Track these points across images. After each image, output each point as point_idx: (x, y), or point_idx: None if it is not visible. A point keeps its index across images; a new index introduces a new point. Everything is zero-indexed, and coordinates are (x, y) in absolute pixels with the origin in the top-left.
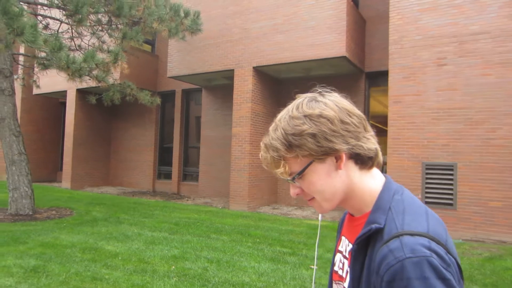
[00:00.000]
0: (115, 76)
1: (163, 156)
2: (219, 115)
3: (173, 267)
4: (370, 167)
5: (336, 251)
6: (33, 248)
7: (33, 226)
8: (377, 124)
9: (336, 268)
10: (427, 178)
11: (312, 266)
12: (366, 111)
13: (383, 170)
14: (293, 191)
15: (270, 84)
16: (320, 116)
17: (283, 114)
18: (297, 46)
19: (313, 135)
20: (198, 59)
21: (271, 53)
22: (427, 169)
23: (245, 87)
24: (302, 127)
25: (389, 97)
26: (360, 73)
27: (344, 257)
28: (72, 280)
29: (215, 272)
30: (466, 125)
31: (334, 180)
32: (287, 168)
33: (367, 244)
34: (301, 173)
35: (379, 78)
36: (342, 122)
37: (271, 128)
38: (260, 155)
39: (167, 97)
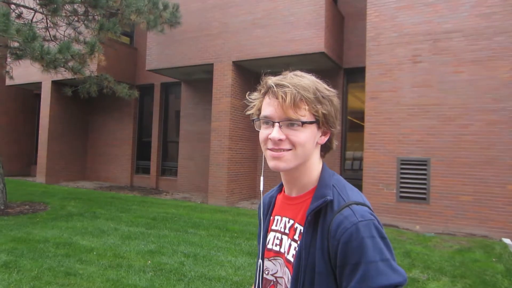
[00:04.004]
0: (91, 68)
1: (142, 151)
2: (199, 110)
3: (149, 261)
4: (324, 155)
5: (268, 231)
6: (4, 243)
7: (4, 221)
8: (354, 120)
9: (270, 246)
10: (401, 173)
11: None
12: (344, 106)
13: (360, 164)
14: (278, 136)
15: (249, 78)
16: (335, 99)
17: (302, 74)
18: (277, 41)
19: (334, 107)
20: (177, 53)
21: (250, 47)
22: (402, 164)
23: (224, 82)
24: (331, 93)
25: (366, 93)
26: (338, 69)
27: (283, 233)
28: (45, 275)
29: (192, 266)
30: (439, 121)
31: (312, 147)
32: (303, 112)
33: (318, 215)
34: (307, 123)
35: (357, 74)
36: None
37: (290, 74)
38: (281, 91)
39: (146, 90)
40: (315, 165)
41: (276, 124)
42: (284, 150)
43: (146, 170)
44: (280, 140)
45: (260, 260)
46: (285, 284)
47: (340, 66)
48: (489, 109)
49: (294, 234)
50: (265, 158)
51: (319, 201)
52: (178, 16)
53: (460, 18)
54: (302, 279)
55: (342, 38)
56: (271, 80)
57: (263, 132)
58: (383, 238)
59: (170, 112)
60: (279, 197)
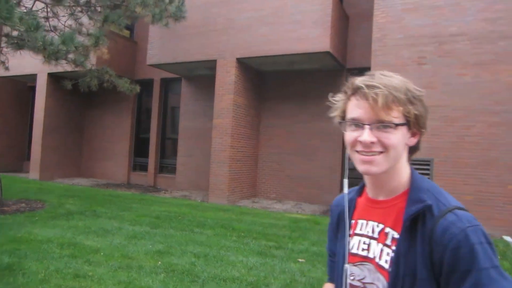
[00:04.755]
0: (92, 61)
1: (139, 147)
2: (199, 106)
3: (159, 262)
4: (411, 157)
5: (352, 235)
6: (5, 244)
7: (2, 220)
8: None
9: (355, 251)
10: None
11: (300, 260)
12: None
13: None
14: (369, 138)
15: (252, 76)
16: (424, 99)
17: (391, 74)
18: (283, 39)
19: (425, 108)
20: (180, 48)
21: (256, 44)
22: None
23: (227, 78)
24: (421, 93)
25: None
26: (341, 69)
27: (371, 238)
28: (53, 278)
29: (204, 267)
30: (442, 122)
31: (402, 149)
32: (395, 113)
33: (416, 220)
34: (400, 124)
35: (360, 75)
36: None
37: (378, 74)
38: (372, 92)
39: (145, 85)
40: (404, 168)
41: (367, 126)
42: (375, 153)
43: (144, 167)
44: (372, 143)
45: (346, 265)
46: None
47: (343, 66)
48: (491, 111)
49: (386, 239)
50: (348, 159)
51: (417, 206)
52: (184, 11)
53: (465, 22)
54: (400, 285)
55: (346, 38)
56: (359, 81)
57: (351, 135)
58: (490, 243)
59: (169, 108)
60: (360, 200)
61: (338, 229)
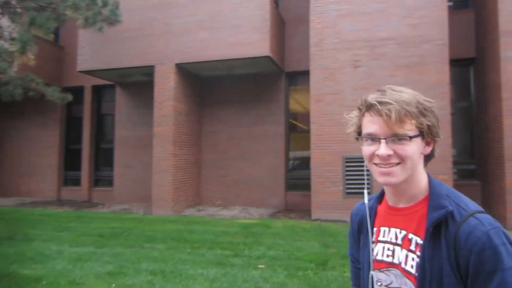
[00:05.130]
0: (14, 67)
1: (70, 160)
2: (136, 114)
3: (113, 285)
4: (426, 165)
5: (375, 242)
6: None
7: None
8: (295, 122)
9: (380, 257)
10: (346, 171)
11: (260, 266)
12: (286, 109)
13: (309, 164)
14: (386, 152)
15: (192, 81)
16: (435, 109)
17: (400, 89)
18: (223, 44)
19: (436, 117)
20: (114, 53)
21: (195, 50)
22: (346, 162)
23: (167, 85)
24: (432, 105)
25: (311, 96)
26: (280, 73)
27: (395, 244)
28: None
29: (163, 284)
30: None
31: (418, 158)
32: (409, 126)
33: (439, 226)
34: (414, 136)
35: (298, 78)
36: None
37: (389, 90)
38: (385, 109)
39: (74, 93)
40: (422, 175)
41: (383, 141)
42: (392, 164)
43: (76, 181)
44: (389, 155)
45: (372, 272)
46: None
47: (282, 70)
48: None
49: (410, 245)
50: (369, 171)
51: (439, 212)
52: (118, 14)
53: (393, 27)
54: None
55: (284, 43)
56: (371, 98)
57: (368, 149)
58: (511, 243)
59: (103, 117)
60: (381, 207)
61: (360, 237)
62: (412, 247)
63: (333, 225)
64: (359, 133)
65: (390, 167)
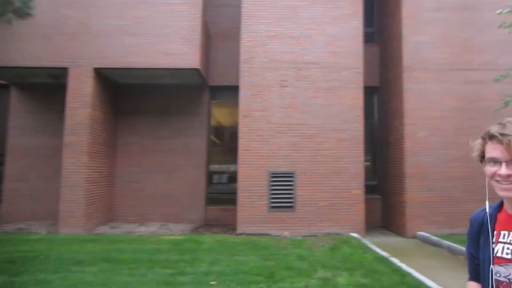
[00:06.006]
0: None
1: None
2: (36, 120)
3: None
4: None
5: (496, 243)
6: None
7: None
8: (216, 137)
9: (500, 254)
10: (272, 185)
11: (212, 282)
12: (207, 123)
13: (230, 178)
14: (506, 172)
15: (109, 88)
16: None
17: None
18: (150, 52)
19: None
20: (13, 50)
21: (118, 55)
22: (272, 177)
23: (83, 90)
24: None
25: (240, 111)
26: (204, 86)
27: None
28: None
29: None
30: (302, 138)
31: None
32: None
33: None
34: None
35: (221, 93)
36: None
37: (509, 124)
38: (505, 139)
39: None
40: None
41: (504, 163)
42: (511, 182)
43: None
44: (509, 175)
45: (491, 266)
46: None
47: (206, 83)
48: (339, 129)
49: None
50: (490, 185)
51: None
52: (32, 7)
53: (317, 52)
54: None
55: (209, 56)
56: (494, 130)
57: (490, 170)
58: None
59: None
60: (501, 215)
61: (479, 238)
62: None
63: (261, 238)
64: (482, 157)
65: (509, 184)
